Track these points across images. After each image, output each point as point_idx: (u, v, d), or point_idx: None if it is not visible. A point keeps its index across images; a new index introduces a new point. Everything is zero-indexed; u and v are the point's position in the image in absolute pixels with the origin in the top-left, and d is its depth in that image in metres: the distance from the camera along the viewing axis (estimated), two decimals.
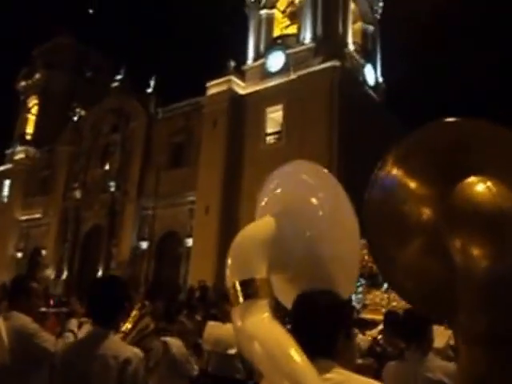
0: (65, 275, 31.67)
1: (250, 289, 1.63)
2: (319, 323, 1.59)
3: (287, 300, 1.82)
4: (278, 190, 1.99)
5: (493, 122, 1.37)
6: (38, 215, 36.10)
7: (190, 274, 25.24)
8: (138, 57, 51.99)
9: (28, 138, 40.39)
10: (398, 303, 11.56)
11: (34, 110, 41.87)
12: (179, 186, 27.82)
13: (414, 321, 3.12)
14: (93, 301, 2.75)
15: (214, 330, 5.90)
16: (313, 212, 1.88)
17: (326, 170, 2.07)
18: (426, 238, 1.35)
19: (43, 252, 33.72)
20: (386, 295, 11.90)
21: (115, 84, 34.65)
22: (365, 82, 28.31)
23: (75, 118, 35.71)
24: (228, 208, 25.16)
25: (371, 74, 29.09)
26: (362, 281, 12.40)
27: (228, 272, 1.71)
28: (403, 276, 1.45)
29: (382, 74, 30.42)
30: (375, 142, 24.75)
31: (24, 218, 37.07)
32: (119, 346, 2.56)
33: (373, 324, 8.27)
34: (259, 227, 1.84)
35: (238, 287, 1.64)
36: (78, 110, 35.85)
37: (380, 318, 10.14)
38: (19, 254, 36.04)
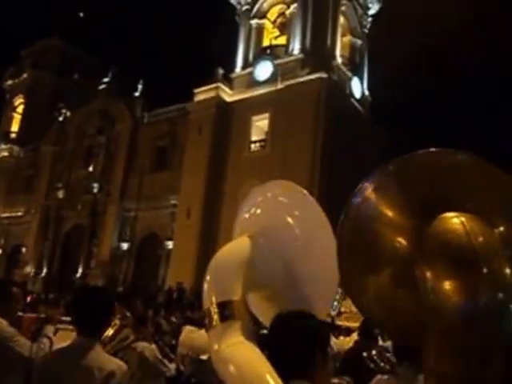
0: (44, 273, 31.61)
1: (227, 311, 1.62)
2: (295, 347, 1.58)
3: (266, 318, 1.81)
4: (257, 210, 1.97)
5: (475, 156, 1.36)
6: (19, 213, 36.02)
7: (168, 275, 25.26)
8: (126, 60, 52.09)
9: (12, 136, 40.26)
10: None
11: (20, 109, 41.80)
12: (162, 190, 27.90)
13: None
14: (79, 310, 2.70)
15: (190, 334, 5.94)
16: (289, 233, 1.88)
17: (305, 191, 2.07)
18: (398, 267, 1.31)
19: (23, 249, 33.57)
20: None
21: (102, 86, 34.79)
22: (351, 94, 28.68)
23: (61, 119, 35.53)
24: (209, 212, 25.26)
25: (358, 87, 29.48)
26: (339, 288, 12.49)
27: (205, 294, 1.71)
28: (373, 305, 1.41)
29: (369, 88, 30.87)
30: (359, 153, 25.29)
31: (5, 215, 36.95)
32: (104, 357, 2.53)
33: (347, 331, 8.27)
34: (236, 248, 1.84)
35: (216, 309, 1.63)
36: (63, 110, 35.67)
37: (355, 325, 10.22)
38: None
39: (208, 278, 1.72)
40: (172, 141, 29.86)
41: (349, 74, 29.26)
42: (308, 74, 26.83)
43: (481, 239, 1.16)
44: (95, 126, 33.37)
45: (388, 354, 3.70)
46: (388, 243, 1.32)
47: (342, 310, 12.01)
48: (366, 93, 30.55)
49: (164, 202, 28.07)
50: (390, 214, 1.34)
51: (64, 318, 8.13)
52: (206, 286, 1.72)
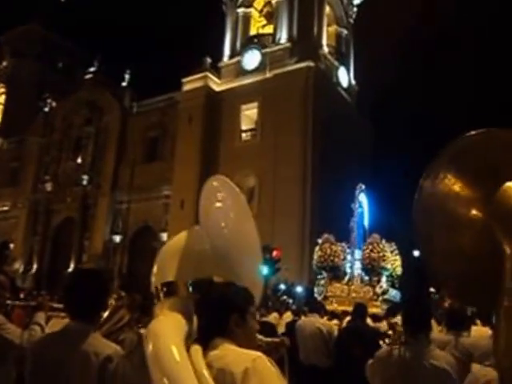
0: (34, 269, 31.08)
1: (170, 289, 1.90)
2: (211, 310, 1.79)
3: None
4: (202, 202, 2.26)
5: None
6: (5, 207, 35.12)
7: None
8: (113, 49, 51.27)
9: None
10: (357, 294, 12.20)
11: (2, 98, 40.73)
12: (154, 180, 27.90)
13: (419, 310, 3.29)
14: (72, 295, 2.59)
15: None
16: (217, 220, 2.17)
17: (237, 190, 2.27)
18: (473, 231, 1.54)
19: (11, 245, 32.97)
20: (346, 287, 12.49)
21: (88, 76, 34.23)
22: (338, 83, 29.03)
23: (46, 109, 34.98)
24: None
25: (344, 76, 29.84)
26: (324, 274, 12.92)
27: (152, 277, 2.00)
28: (443, 263, 1.66)
29: (355, 77, 31.26)
30: (347, 141, 25.74)
31: None
32: (100, 342, 2.47)
33: (333, 315, 8.63)
34: (180, 238, 2.12)
35: (160, 288, 1.91)
36: (49, 100, 35.12)
37: (342, 308, 10.62)
38: None
39: (156, 263, 2.05)
40: (162, 131, 29.82)
41: (335, 63, 29.58)
42: (295, 62, 27.07)
43: None
44: (83, 116, 32.87)
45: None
46: (462, 211, 1.56)
47: (328, 294, 12.48)
48: (353, 82, 30.95)
49: (156, 193, 28.07)
50: (460, 189, 1.59)
51: (56, 306, 8.18)
52: (154, 269, 2.03)
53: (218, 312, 1.77)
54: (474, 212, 1.55)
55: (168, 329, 1.74)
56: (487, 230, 1.49)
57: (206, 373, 1.60)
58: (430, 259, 1.75)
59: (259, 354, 1.68)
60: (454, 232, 1.62)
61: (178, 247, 2.08)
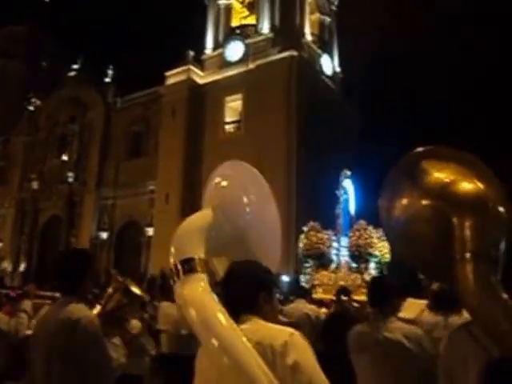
0: (22, 267, 31.12)
1: (189, 266, 1.96)
2: (242, 287, 1.90)
3: None
4: (218, 186, 2.42)
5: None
6: None
7: (151, 262, 25.30)
8: (96, 46, 50.96)
9: None
10: (345, 282, 12.06)
11: None
12: (139, 176, 27.75)
13: (378, 287, 3.41)
14: (55, 273, 2.94)
15: (168, 309, 6.11)
16: (243, 207, 2.35)
17: (256, 172, 2.53)
18: (426, 219, 2.15)
19: None
20: (333, 275, 12.34)
21: (72, 73, 34.05)
22: (322, 71, 28.82)
23: (31, 108, 34.91)
24: (188, 196, 25.29)
25: (328, 64, 29.62)
26: (311, 261, 12.77)
27: (172, 255, 2.05)
28: (404, 247, 2.34)
29: (339, 65, 31.03)
30: (333, 129, 25.57)
31: None
32: (75, 308, 2.68)
33: (322, 303, 8.53)
34: (198, 218, 2.25)
35: (179, 265, 1.97)
36: (33, 99, 35.04)
37: (330, 297, 10.49)
38: None
39: (173, 242, 2.11)
40: (146, 126, 29.63)
41: (319, 51, 29.35)
42: (278, 52, 26.84)
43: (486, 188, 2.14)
44: (67, 114, 32.69)
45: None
46: (417, 207, 2.18)
47: (316, 282, 12.35)
48: (337, 69, 30.72)
49: (142, 189, 27.96)
50: (411, 192, 2.25)
51: (42, 294, 8.15)
52: (172, 248, 2.08)
53: (250, 288, 1.89)
54: (423, 202, 2.15)
55: (208, 298, 1.87)
56: (436, 214, 2.08)
57: (245, 340, 1.72)
58: (396, 246, 2.40)
59: (292, 329, 1.82)
60: (412, 223, 2.19)
61: (195, 226, 2.18)
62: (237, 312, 1.82)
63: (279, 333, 1.77)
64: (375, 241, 12.32)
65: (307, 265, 13.02)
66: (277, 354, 1.70)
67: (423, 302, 5.08)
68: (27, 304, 6.87)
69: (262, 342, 1.73)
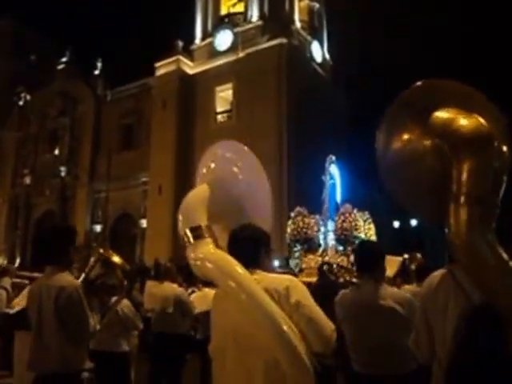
0: (17, 263, 31.06)
1: (197, 232, 2.37)
2: (247, 246, 2.23)
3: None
4: (211, 165, 2.78)
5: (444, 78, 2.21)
6: None
7: (145, 254, 25.33)
8: (83, 39, 50.58)
9: None
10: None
11: None
12: (131, 168, 27.69)
13: (367, 252, 3.38)
14: (42, 247, 3.37)
15: (153, 289, 6.26)
16: (235, 178, 2.71)
17: (246, 148, 2.90)
18: (425, 159, 2.08)
19: None
20: (320, 258, 12.40)
21: (61, 66, 33.79)
22: (312, 58, 28.70)
23: (21, 103, 34.64)
24: (181, 187, 25.20)
25: (318, 51, 29.50)
26: (299, 246, 12.84)
27: (180, 225, 2.46)
28: (398, 184, 2.24)
29: (329, 51, 30.91)
30: (323, 116, 25.54)
31: None
32: (61, 277, 3.05)
33: (308, 286, 8.62)
34: (198, 192, 2.65)
35: (189, 233, 2.38)
36: (23, 94, 34.75)
37: (315, 280, 10.60)
38: None
39: (180, 213, 2.54)
40: (137, 118, 29.50)
41: (308, 38, 29.21)
42: (268, 40, 26.70)
43: (488, 125, 1.97)
44: (57, 107, 32.50)
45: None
46: (415, 147, 2.11)
47: (303, 266, 12.42)
48: (327, 56, 30.60)
49: (134, 181, 27.91)
50: (410, 130, 2.15)
51: (22, 273, 8.24)
52: (180, 220, 2.51)
53: (253, 247, 2.22)
54: (424, 142, 2.06)
55: (222, 253, 2.26)
56: (435, 153, 2.02)
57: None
58: (389, 183, 2.27)
59: (291, 276, 2.26)
60: (409, 161, 2.12)
61: (197, 199, 2.55)
62: (244, 266, 2.15)
63: (281, 280, 2.13)
64: (360, 223, 12.39)
65: (295, 249, 13.11)
66: (281, 296, 2.03)
67: (399, 259, 5.25)
68: (7, 281, 7.06)
69: (269, 288, 2.05)
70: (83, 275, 3.45)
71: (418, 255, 6.85)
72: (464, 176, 1.89)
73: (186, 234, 2.37)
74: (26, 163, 32.83)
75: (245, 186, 2.69)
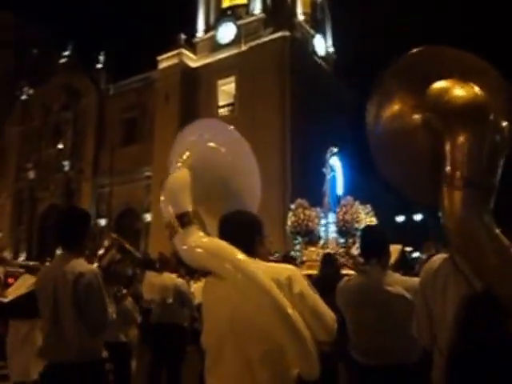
0: (23, 257, 31.19)
1: (185, 219, 2.15)
2: (241, 232, 2.07)
3: (213, 226, 2.32)
4: (185, 152, 2.50)
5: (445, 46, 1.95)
6: None
7: (149, 248, 25.39)
8: (85, 32, 50.38)
9: None
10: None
11: None
12: (135, 162, 27.71)
13: (373, 237, 3.26)
14: (56, 232, 3.14)
15: (152, 279, 6.23)
16: (219, 157, 2.50)
17: (229, 126, 2.66)
18: (418, 135, 1.88)
19: None
20: (321, 251, 12.43)
21: (63, 60, 33.69)
22: (314, 51, 28.61)
23: (23, 97, 34.64)
24: None
25: (321, 45, 29.39)
26: (300, 238, 12.87)
27: (164, 212, 2.24)
28: (394, 166, 2.02)
29: (332, 44, 30.77)
30: (325, 108, 25.49)
31: None
32: (78, 263, 2.90)
33: (310, 278, 8.57)
34: (179, 176, 2.39)
35: (175, 221, 2.16)
36: (25, 88, 34.74)
37: (316, 272, 10.60)
38: None
39: (164, 199, 2.30)
40: (140, 112, 29.48)
41: (311, 31, 29.09)
42: (271, 33, 26.60)
43: (486, 95, 1.73)
44: (60, 101, 32.45)
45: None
46: (407, 122, 1.89)
47: (304, 258, 12.46)
48: (330, 49, 30.48)
49: (138, 175, 27.93)
50: (402, 101, 1.92)
51: (16, 262, 8.32)
52: (163, 206, 2.29)
53: (247, 234, 2.07)
54: (416, 116, 1.85)
55: (215, 240, 2.10)
56: (427, 129, 1.81)
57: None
58: (387, 170, 2.05)
59: (291, 266, 2.14)
60: (400, 136, 1.92)
61: (180, 184, 2.32)
62: None
63: (282, 269, 2.03)
64: (362, 216, 12.40)
65: (296, 242, 13.15)
66: (283, 285, 1.93)
67: (398, 247, 5.19)
68: (0, 270, 7.13)
69: (269, 277, 1.94)
70: (96, 261, 3.36)
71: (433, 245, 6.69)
72: (456, 154, 1.71)
73: (171, 222, 2.16)
74: (30, 158, 32.83)
75: (230, 160, 2.50)
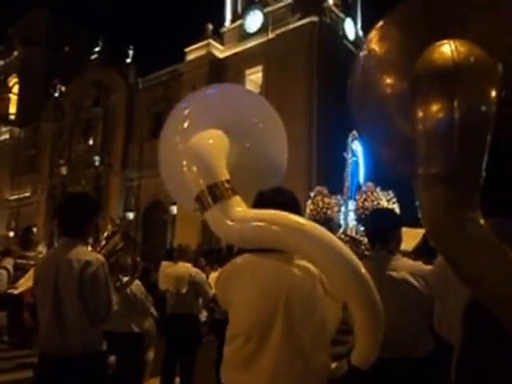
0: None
1: (217, 192, 1.75)
2: (289, 208, 1.80)
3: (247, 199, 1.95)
4: (223, 108, 2.20)
5: None
6: (26, 194, 36.36)
7: (176, 239, 25.29)
8: (115, 27, 50.92)
9: (11, 117, 40.04)
10: (352, 247, 11.51)
11: (15, 89, 41.41)
12: None
13: (380, 221, 3.09)
14: (61, 217, 2.98)
15: (168, 269, 6.12)
16: (256, 125, 2.24)
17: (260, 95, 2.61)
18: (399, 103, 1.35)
19: (34, 230, 33.71)
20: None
21: (94, 56, 34.17)
22: (345, 36, 27.65)
23: (56, 94, 35.25)
24: None
25: (351, 28, 28.38)
26: None
27: (192, 182, 1.83)
28: (378, 143, 1.58)
29: (363, 28, 29.66)
30: None
31: (13, 197, 37.23)
32: (83, 251, 2.80)
33: None
34: (211, 137, 1.97)
35: (207, 192, 1.76)
36: (58, 86, 35.36)
37: None
38: (11, 234, 36.04)
39: (192, 165, 1.87)
40: (167, 105, 29.24)
41: (341, 15, 28.12)
42: (299, 19, 25.85)
43: (465, 55, 1.14)
44: (91, 97, 32.96)
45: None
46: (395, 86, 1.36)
47: None
48: (360, 33, 29.38)
49: None
50: (393, 58, 1.37)
51: (25, 253, 8.14)
52: (190, 174, 1.86)
53: (294, 210, 1.84)
54: (399, 84, 1.34)
55: (274, 211, 1.79)
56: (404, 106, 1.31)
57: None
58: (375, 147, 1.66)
59: None
60: (383, 112, 1.43)
61: (216, 144, 1.96)
62: None
63: None
64: (383, 203, 11.62)
65: None
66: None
67: (420, 231, 4.71)
68: (9, 261, 7.10)
69: None
70: (98, 248, 3.18)
71: None
72: (424, 136, 1.19)
73: (202, 194, 1.76)
74: (62, 154, 33.62)
75: (261, 129, 2.24)
